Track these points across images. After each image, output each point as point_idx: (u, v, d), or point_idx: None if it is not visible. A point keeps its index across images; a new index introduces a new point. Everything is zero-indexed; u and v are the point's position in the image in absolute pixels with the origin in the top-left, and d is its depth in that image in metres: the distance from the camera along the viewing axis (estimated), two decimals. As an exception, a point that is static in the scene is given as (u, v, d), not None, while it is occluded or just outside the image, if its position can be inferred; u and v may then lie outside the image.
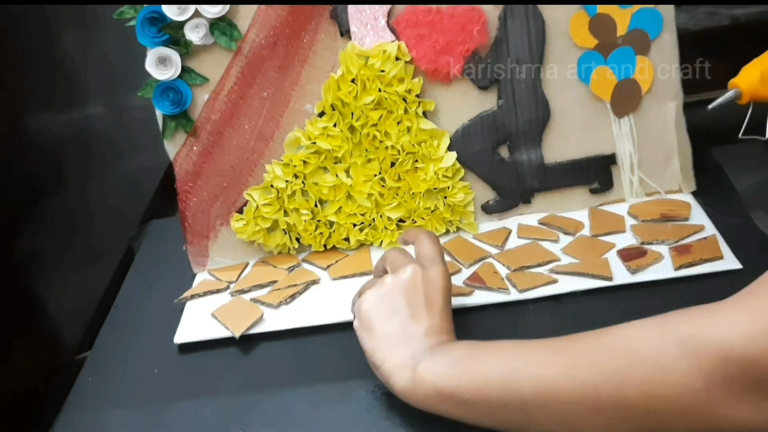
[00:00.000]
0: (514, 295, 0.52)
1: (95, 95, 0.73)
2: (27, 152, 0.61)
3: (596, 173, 0.60)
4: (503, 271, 0.54)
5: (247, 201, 0.60)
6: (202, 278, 0.61)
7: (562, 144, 0.59)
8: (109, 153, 0.75)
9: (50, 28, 0.66)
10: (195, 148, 0.59)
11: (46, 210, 0.61)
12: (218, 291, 0.58)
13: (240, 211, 0.60)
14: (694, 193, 0.60)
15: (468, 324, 0.51)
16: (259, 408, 0.47)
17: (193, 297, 0.58)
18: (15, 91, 0.59)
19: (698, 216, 0.57)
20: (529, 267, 0.54)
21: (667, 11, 0.57)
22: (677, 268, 0.52)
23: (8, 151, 0.57)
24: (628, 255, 0.54)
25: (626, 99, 0.59)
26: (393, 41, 0.56)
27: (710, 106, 0.53)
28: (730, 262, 0.52)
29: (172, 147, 0.59)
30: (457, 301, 0.52)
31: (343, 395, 0.47)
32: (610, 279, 0.52)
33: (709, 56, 0.62)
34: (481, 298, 0.52)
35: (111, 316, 0.61)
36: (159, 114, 0.58)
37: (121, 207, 0.75)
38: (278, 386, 0.49)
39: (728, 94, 0.52)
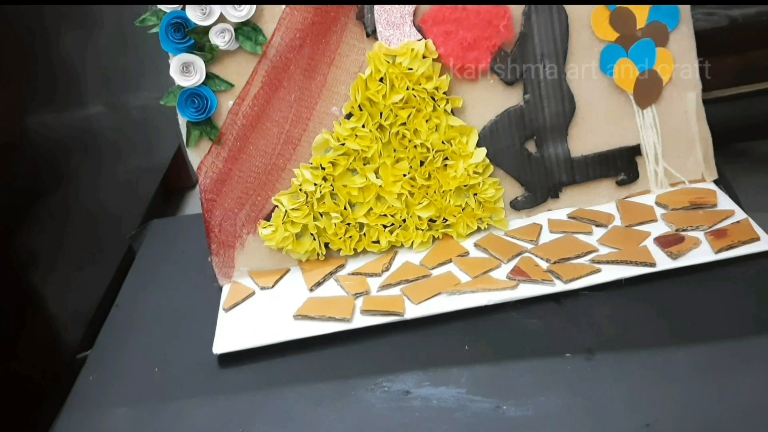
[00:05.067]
0: (559, 286, 0.51)
1: (95, 95, 0.73)
2: (27, 153, 0.60)
3: (622, 165, 0.60)
4: (543, 264, 0.54)
5: (274, 207, 0.58)
6: (230, 286, 0.59)
7: (587, 137, 0.60)
8: (109, 153, 0.75)
9: (50, 28, 0.66)
10: (220, 155, 0.57)
11: (47, 210, 0.60)
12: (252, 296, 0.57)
13: (267, 218, 0.59)
14: (716, 182, 0.61)
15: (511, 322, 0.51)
16: (259, 408, 0.47)
17: (234, 306, 0.56)
18: (15, 91, 0.59)
19: (725, 202, 0.58)
20: (569, 259, 0.54)
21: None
22: (718, 251, 0.52)
23: (9, 152, 0.57)
24: (666, 242, 0.54)
25: (648, 90, 0.59)
26: (420, 40, 0.56)
27: None
28: (767, 242, 0.52)
29: (196, 156, 0.58)
30: (503, 295, 0.51)
31: (342, 394, 0.47)
32: (653, 265, 0.51)
33: (709, 56, 0.63)
34: (526, 290, 0.52)
35: (112, 315, 0.60)
36: (182, 122, 0.57)
37: (121, 207, 0.75)
38: (278, 386, 0.49)
39: None
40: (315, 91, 0.57)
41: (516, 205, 0.61)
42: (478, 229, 0.60)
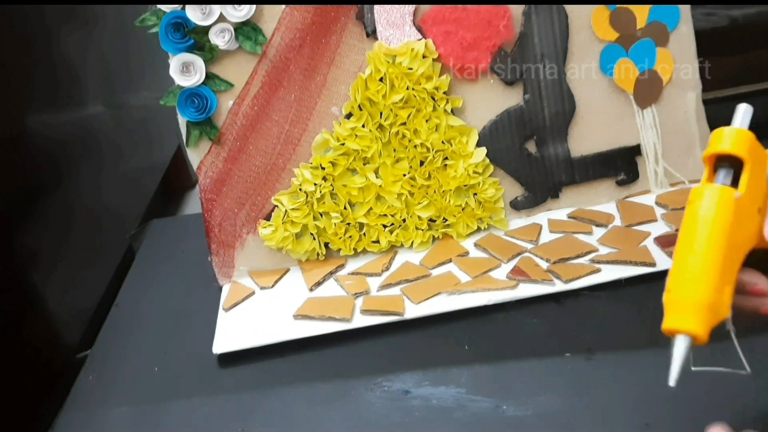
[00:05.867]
0: (559, 286, 0.51)
1: (96, 95, 0.73)
2: (28, 152, 0.60)
3: (622, 164, 0.60)
4: (543, 264, 0.54)
5: (274, 207, 0.58)
6: (230, 286, 0.59)
7: (587, 137, 0.60)
8: (109, 152, 0.75)
9: (50, 28, 0.66)
10: (220, 155, 0.57)
11: (47, 209, 0.60)
12: (251, 296, 0.57)
13: (267, 218, 0.59)
14: (716, 182, 0.61)
15: (510, 321, 0.51)
16: (259, 408, 0.47)
17: (234, 306, 0.56)
18: (16, 91, 0.59)
19: (725, 202, 0.58)
20: (568, 258, 0.54)
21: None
22: (717, 251, 0.52)
23: (9, 151, 0.57)
24: (667, 242, 0.54)
25: (648, 90, 0.59)
26: (420, 40, 0.56)
27: (673, 379, 0.32)
28: None
29: (195, 155, 0.58)
30: (503, 295, 0.51)
31: (342, 394, 0.47)
32: (653, 265, 0.51)
33: (709, 56, 0.63)
34: (526, 290, 0.51)
35: (111, 315, 0.60)
36: (182, 121, 0.57)
37: (121, 206, 0.75)
38: (278, 386, 0.49)
39: (679, 348, 0.32)
40: (315, 91, 0.57)
41: (516, 205, 0.61)
42: (478, 229, 0.60)
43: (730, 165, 0.33)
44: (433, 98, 0.56)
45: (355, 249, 0.59)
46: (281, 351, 0.51)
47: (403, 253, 0.59)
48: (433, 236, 0.60)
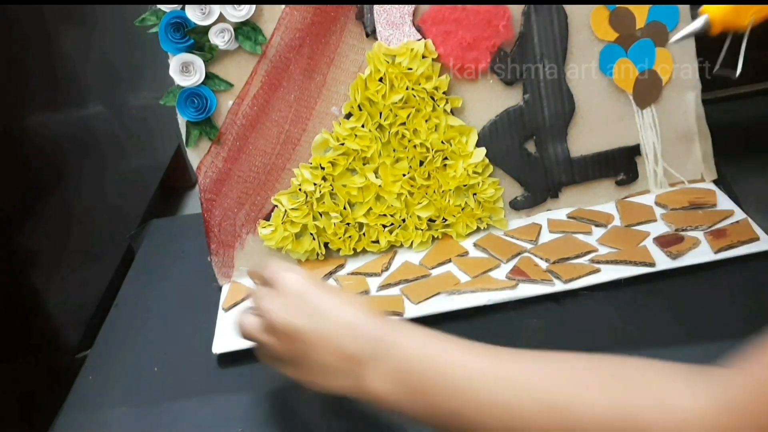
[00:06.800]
0: (558, 286, 0.51)
1: (95, 95, 0.73)
2: (27, 152, 0.60)
3: (622, 164, 0.60)
4: (542, 264, 0.54)
5: (274, 207, 0.59)
6: (229, 286, 0.59)
7: (587, 137, 0.60)
8: (109, 152, 0.75)
9: (50, 28, 0.66)
10: (220, 155, 0.57)
11: (47, 209, 0.61)
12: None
13: (267, 218, 0.59)
14: (715, 182, 0.61)
15: (511, 320, 0.50)
16: (259, 408, 0.47)
17: (233, 306, 0.56)
18: (15, 90, 0.59)
19: (725, 202, 0.58)
20: (568, 258, 0.54)
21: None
22: (717, 251, 0.52)
23: (9, 151, 0.57)
24: (666, 242, 0.54)
25: (648, 90, 0.59)
26: (419, 40, 0.56)
27: (674, 39, 0.45)
28: (767, 242, 0.52)
29: (195, 155, 0.58)
30: (503, 295, 0.51)
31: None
32: (653, 265, 0.51)
33: (709, 56, 0.63)
34: (525, 290, 0.51)
35: (111, 314, 0.60)
36: (182, 121, 0.57)
37: (121, 206, 0.76)
38: (278, 386, 0.48)
39: (696, 23, 0.43)
40: (314, 91, 0.57)
41: (515, 205, 0.61)
42: (478, 229, 0.60)
43: None
44: (433, 98, 0.56)
45: (354, 249, 0.59)
46: (280, 351, 0.52)
47: (403, 253, 0.59)
48: (433, 236, 0.60)
